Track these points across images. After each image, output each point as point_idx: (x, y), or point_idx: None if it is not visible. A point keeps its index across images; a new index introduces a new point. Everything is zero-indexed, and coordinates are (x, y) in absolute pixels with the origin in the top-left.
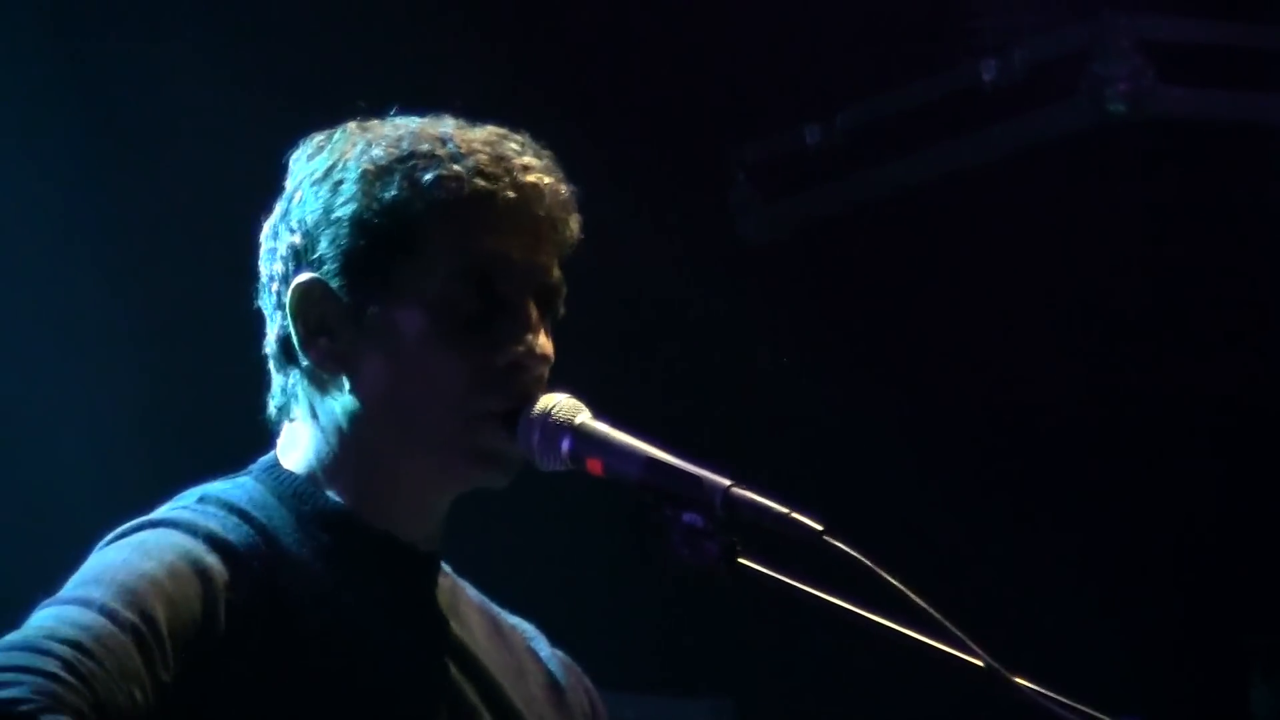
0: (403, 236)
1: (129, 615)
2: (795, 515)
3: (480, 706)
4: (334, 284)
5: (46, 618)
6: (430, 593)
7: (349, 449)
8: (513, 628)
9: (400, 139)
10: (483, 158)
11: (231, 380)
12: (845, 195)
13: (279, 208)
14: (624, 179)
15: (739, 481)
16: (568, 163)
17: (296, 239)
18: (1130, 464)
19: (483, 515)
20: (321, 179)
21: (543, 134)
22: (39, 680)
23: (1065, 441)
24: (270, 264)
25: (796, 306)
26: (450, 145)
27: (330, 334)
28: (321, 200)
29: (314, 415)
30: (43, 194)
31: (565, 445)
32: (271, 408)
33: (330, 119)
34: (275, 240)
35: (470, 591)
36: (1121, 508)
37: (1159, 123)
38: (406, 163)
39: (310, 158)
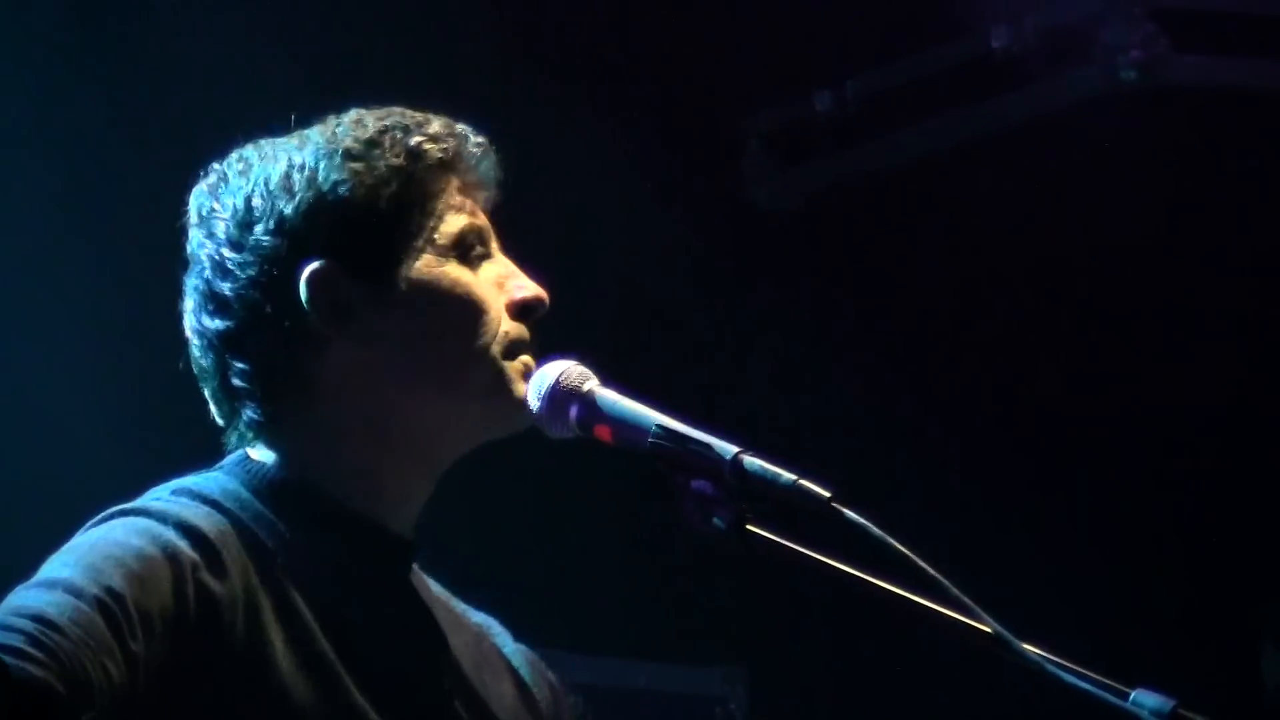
0: (410, 201)
1: (94, 591)
2: (804, 482)
3: (455, 697)
4: (345, 265)
5: (13, 600)
6: (406, 580)
7: (357, 432)
8: (477, 624)
9: (358, 121)
10: (438, 125)
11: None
12: (857, 163)
13: (232, 227)
14: (637, 147)
15: (748, 448)
16: (580, 132)
17: (279, 240)
18: (1141, 431)
19: (497, 483)
20: (286, 177)
21: (555, 104)
22: (4, 656)
23: (1075, 408)
24: (244, 272)
25: (809, 273)
26: (407, 118)
27: (352, 314)
28: (302, 193)
29: (301, 413)
30: (43, 183)
31: (574, 412)
32: (249, 417)
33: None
34: (243, 253)
35: (436, 587)
36: (1132, 475)
37: (1172, 90)
38: (386, 134)
39: (244, 173)
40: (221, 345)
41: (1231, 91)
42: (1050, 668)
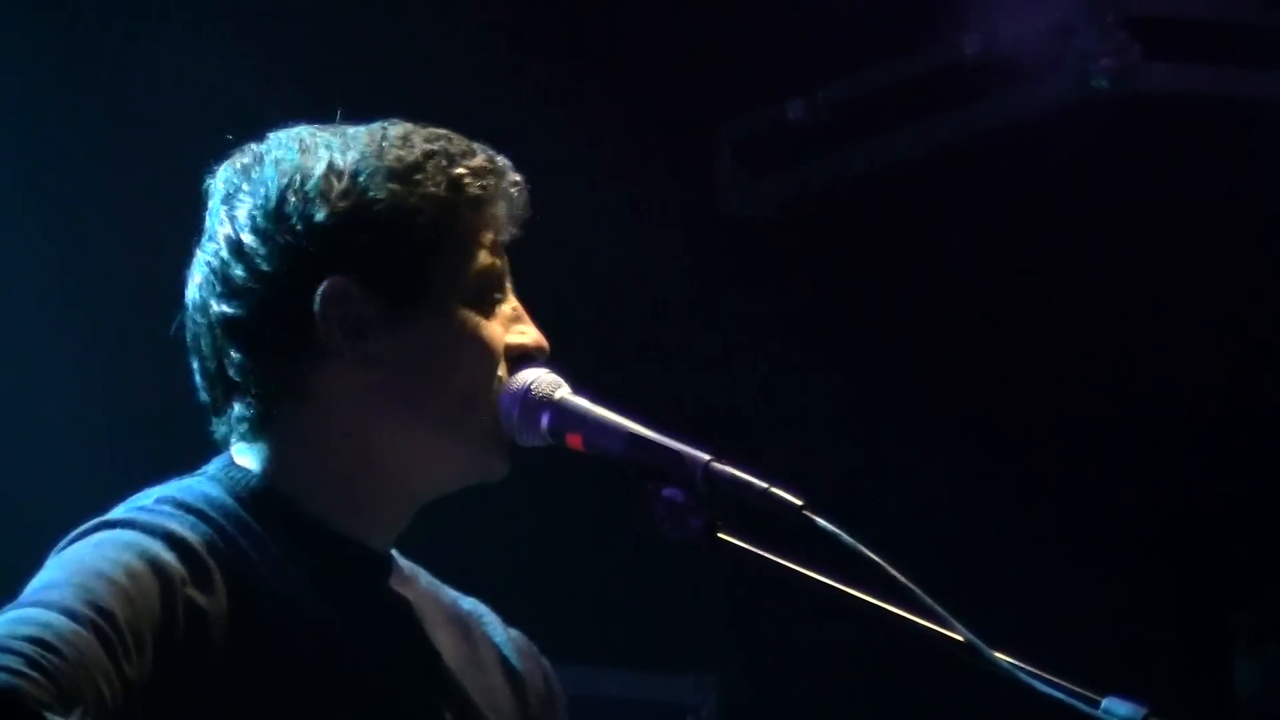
0: (436, 234)
1: (88, 612)
2: (775, 490)
3: (440, 704)
4: (366, 283)
5: (6, 621)
6: (385, 591)
7: (341, 452)
8: (468, 613)
9: (404, 139)
10: (482, 159)
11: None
12: (829, 170)
13: (258, 210)
14: (608, 155)
15: (719, 456)
16: (551, 140)
17: (308, 241)
18: (1115, 438)
19: (467, 490)
20: (326, 178)
21: (527, 112)
22: (2, 676)
23: (1050, 414)
24: (262, 263)
25: (780, 282)
26: (454, 145)
27: (363, 334)
28: (340, 199)
29: (292, 419)
30: (21, 189)
31: (545, 420)
32: (239, 412)
33: (317, 117)
34: (267, 244)
35: (424, 580)
36: (1106, 482)
37: (1145, 98)
38: (431, 160)
39: (280, 162)
40: (223, 332)
41: (1203, 99)
42: (1022, 676)
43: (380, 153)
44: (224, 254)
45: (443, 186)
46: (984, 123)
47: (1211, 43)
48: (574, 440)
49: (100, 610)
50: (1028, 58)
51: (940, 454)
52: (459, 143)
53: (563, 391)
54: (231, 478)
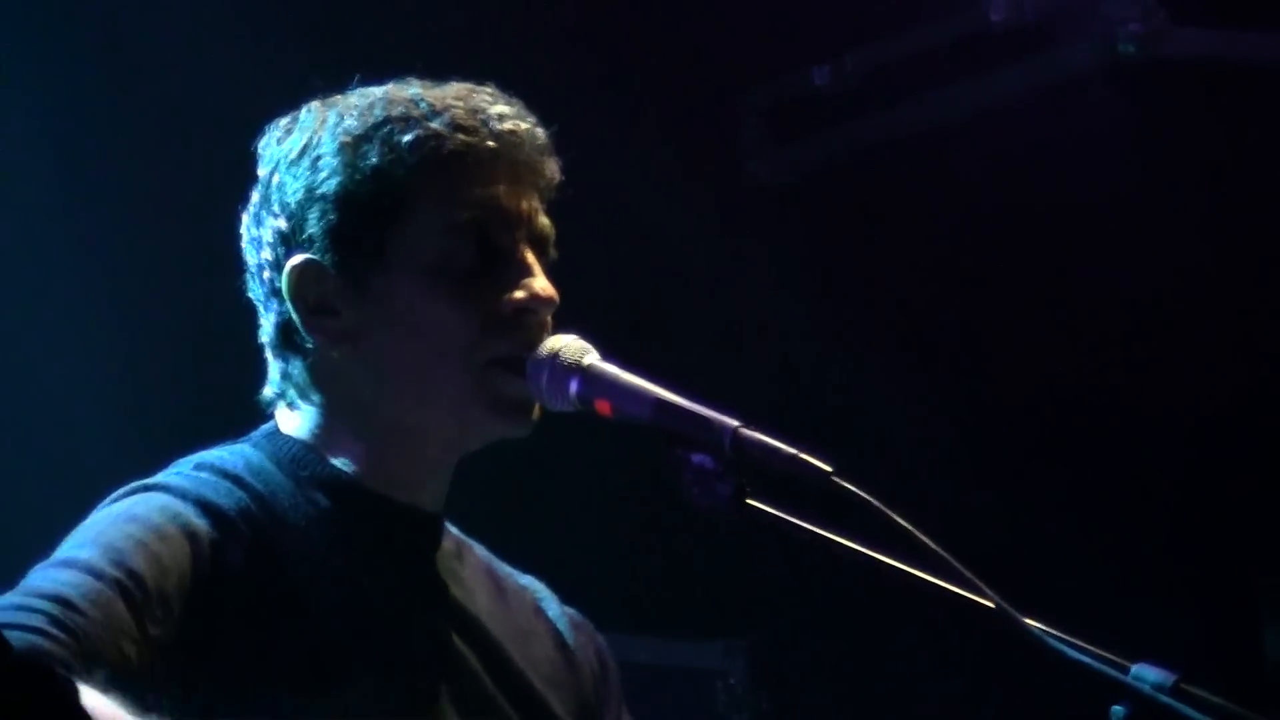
0: (390, 203)
1: (114, 572)
2: (804, 456)
3: (481, 671)
4: (327, 261)
5: (32, 580)
6: (431, 557)
7: (360, 421)
8: (522, 588)
9: (370, 106)
10: (458, 112)
11: (222, 359)
12: (855, 137)
13: (257, 195)
14: (633, 122)
15: (748, 422)
16: (577, 107)
17: (281, 223)
18: (1142, 403)
19: (496, 459)
20: (298, 159)
21: (552, 79)
22: (24, 635)
23: (1075, 379)
24: (257, 252)
25: (806, 249)
26: (423, 105)
27: (332, 312)
28: (302, 180)
29: (319, 394)
30: (17, 167)
31: (574, 386)
32: (269, 392)
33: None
34: (259, 228)
35: (479, 551)
36: (1132, 447)
37: (1171, 63)
38: (382, 128)
39: (280, 141)
40: (261, 309)
41: (1230, 65)
42: (1051, 642)
43: (339, 122)
44: (243, 240)
45: (390, 155)
46: (1011, 88)
47: (1238, 7)
48: (603, 406)
49: (127, 571)
50: (1055, 23)
51: (967, 422)
52: (430, 101)
53: (591, 358)
54: (276, 445)
